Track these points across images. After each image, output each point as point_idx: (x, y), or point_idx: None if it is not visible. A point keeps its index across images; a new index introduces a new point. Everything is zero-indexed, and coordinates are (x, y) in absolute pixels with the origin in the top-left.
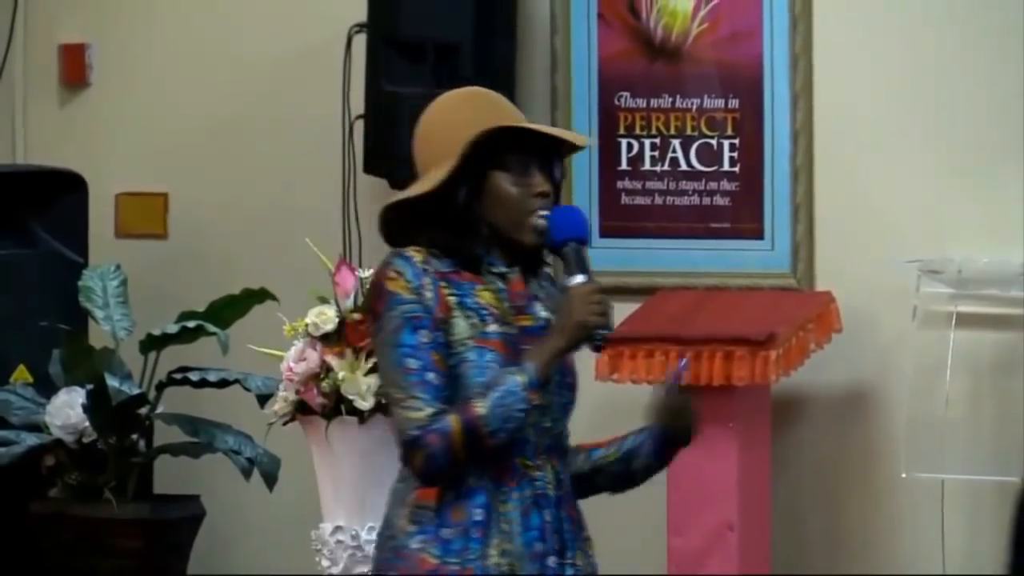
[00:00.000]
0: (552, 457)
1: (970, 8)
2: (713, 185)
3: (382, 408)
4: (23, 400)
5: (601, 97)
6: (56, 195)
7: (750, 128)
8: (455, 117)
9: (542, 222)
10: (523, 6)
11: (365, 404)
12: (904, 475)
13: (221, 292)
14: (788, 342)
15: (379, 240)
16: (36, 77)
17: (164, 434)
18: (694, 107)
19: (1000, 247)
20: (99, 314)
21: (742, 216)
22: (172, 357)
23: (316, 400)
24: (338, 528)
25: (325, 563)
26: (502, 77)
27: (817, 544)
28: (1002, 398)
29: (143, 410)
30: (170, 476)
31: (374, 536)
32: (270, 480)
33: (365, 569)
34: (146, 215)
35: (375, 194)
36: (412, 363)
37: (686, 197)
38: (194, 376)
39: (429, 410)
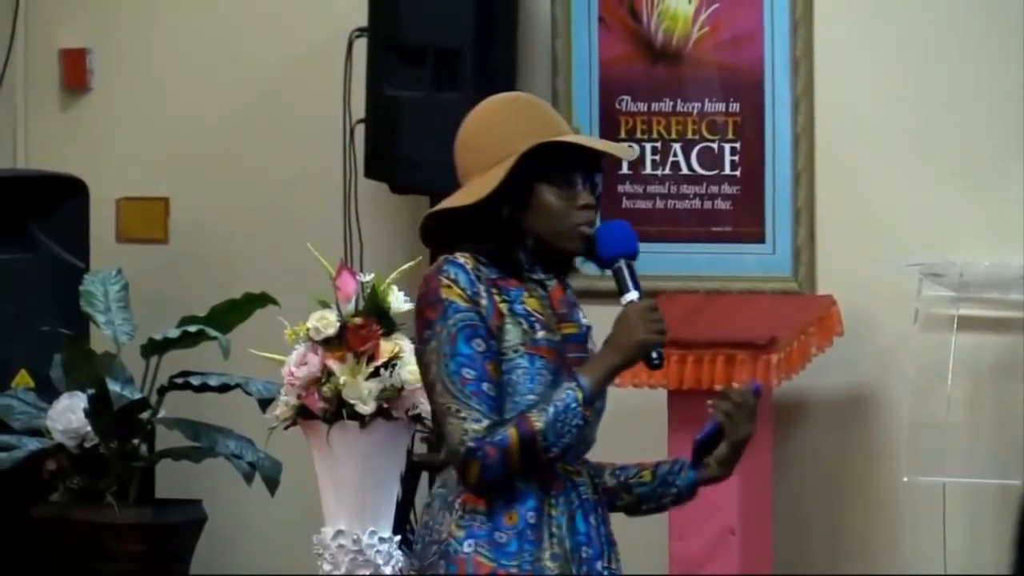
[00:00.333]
0: (586, 463)
1: (970, 12)
2: (714, 189)
3: (383, 412)
4: (24, 404)
5: (602, 101)
6: (57, 200)
7: (751, 132)
8: (501, 126)
9: (589, 230)
10: (524, 10)
11: (366, 408)
12: (905, 479)
13: (222, 296)
14: (789, 346)
15: (380, 244)
16: (37, 82)
17: (165, 438)
18: (695, 111)
19: (1001, 250)
20: (100, 318)
21: (743, 220)
22: (173, 361)
23: (317, 404)
24: (339, 532)
25: (327, 567)
26: (503, 81)
27: (819, 548)
28: (1003, 401)
29: (144, 414)
30: (172, 481)
31: (375, 540)
32: (272, 484)
33: (366, 573)
34: (147, 219)
35: (376, 198)
36: (468, 373)
37: (687, 201)
38: (195, 380)
39: (486, 422)
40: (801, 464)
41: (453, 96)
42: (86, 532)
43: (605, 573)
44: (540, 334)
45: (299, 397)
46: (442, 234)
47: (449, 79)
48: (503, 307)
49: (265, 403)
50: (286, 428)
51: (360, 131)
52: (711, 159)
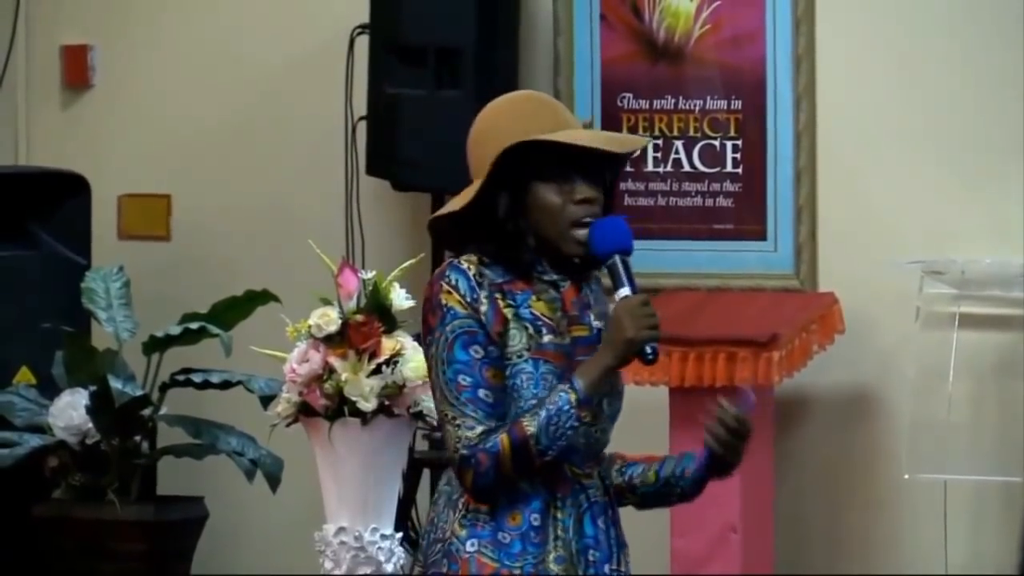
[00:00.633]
0: (598, 464)
1: (971, 10)
2: (716, 186)
3: (384, 409)
4: (26, 402)
5: (604, 99)
6: (59, 197)
7: (753, 129)
8: (494, 127)
9: (583, 232)
10: (525, 8)
11: (368, 405)
12: (907, 476)
13: (224, 294)
14: (791, 343)
15: (382, 241)
16: (38, 79)
17: (167, 436)
18: (697, 108)
19: (1002, 248)
20: (102, 316)
21: (745, 217)
22: (175, 359)
23: (319, 401)
24: (341, 529)
25: (328, 564)
26: (504, 79)
27: (820, 545)
28: (1005, 399)
29: (146, 412)
30: (173, 478)
31: (377, 537)
32: (273, 481)
33: (368, 570)
34: (149, 217)
35: (377, 195)
36: (464, 380)
37: (689, 198)
38: (197, 378)
39: (480, 428)
40: (802, 461)
41: (454, 94)
42: (87, 530)
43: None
44: (547, 338)
45: (301, 394)
46: (452, 235)
47: (450, 77)
48: (507, 312)
49: (267, 400)
50: (288, 425)
51: (362, 129)
52: (713, 156)
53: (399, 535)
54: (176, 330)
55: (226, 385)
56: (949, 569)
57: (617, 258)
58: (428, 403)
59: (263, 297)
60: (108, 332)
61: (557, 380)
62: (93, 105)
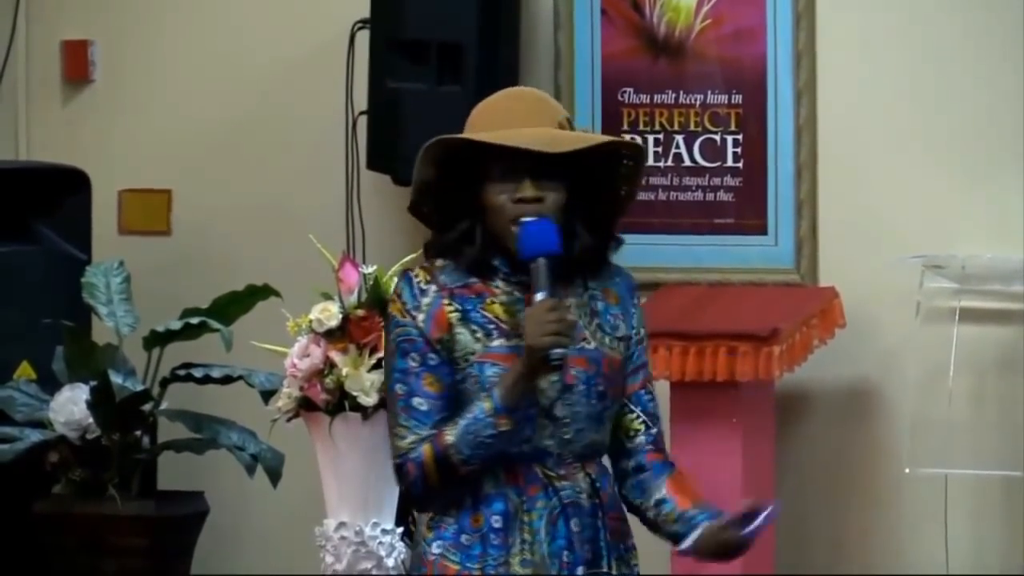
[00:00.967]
0: (587, 465)
1: (972, 7)
2: (716, 181)
3: (385, 404)
4: (27, 396)
5: (604, 94)
6: (59, 192)
7: (753, 124)
8: (468, 124)
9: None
10: (526, 3)
11: (369, 400)
12: (907, 470)
13: (225, 288)
14: (792, 338)
15: (383, 236)
16: (39, 74)
17: (168, 430)
18: (697, 103)
19: (1003, 243)
20: (103, 311)
21: (745, 212)
22: (175, 353)
23: (320, 396)
24: (342, 524)
25: (329, 559)
26: (505, 74)
27: (821, 541)
28: (1005, 393)
29: (147, 406)
30: (174, 472)
31: (378, 532)
32: (274, 476)
33: (369, 565)
34: (149, 212)
35: (378, 190)
36: (400, 389)
37: (689, 193)
38: (198, 372)
39: (410, 438)
40: (803, 456)
41: (455, 89)
42: (88, 525)
43: None
44: (496, 342)
45: (301, 389)
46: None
47: (451, 72)
48: (452, 316)
49: (267, 395)
50: (288, 420)
51: (362, 123)
52: (713, 151)
53: (400, 530)
54: (177, 325)
55: (227, 380)
56: (950, 563)
57: (541, 261)
58: None
59: (264, 292)
60: (109, 327)
61: None
62: (94, 100)
